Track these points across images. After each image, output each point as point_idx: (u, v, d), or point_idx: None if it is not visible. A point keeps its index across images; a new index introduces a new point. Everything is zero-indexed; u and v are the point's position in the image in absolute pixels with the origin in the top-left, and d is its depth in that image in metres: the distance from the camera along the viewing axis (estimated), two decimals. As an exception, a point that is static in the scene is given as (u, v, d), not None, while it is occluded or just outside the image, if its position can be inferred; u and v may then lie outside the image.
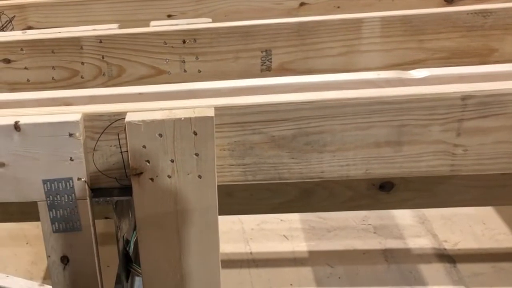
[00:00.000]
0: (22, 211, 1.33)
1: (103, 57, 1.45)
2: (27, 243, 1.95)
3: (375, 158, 1.05)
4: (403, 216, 1.99)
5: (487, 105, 1.01)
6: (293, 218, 2.01)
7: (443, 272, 1.74)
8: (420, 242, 1.87)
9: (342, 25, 1.43)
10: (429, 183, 1.35)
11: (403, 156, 1.05)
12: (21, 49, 1.44)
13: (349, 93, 1.02)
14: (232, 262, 1.81)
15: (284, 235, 1.93)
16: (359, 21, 1.43)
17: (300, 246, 1.88)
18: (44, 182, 1.00)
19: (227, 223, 1.97)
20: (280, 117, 1.01)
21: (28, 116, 0.99)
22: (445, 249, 1.84)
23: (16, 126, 0.97)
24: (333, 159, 1.05)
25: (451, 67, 1.20)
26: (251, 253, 1.86)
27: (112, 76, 1.46)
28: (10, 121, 0.97)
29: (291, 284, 1.72)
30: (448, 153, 1.05)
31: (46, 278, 1.77)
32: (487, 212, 1.99)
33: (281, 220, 2.00)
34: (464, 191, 1.35)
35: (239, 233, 1.95)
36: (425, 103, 1.01)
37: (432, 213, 1.99)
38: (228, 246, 1.87)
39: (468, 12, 1.42)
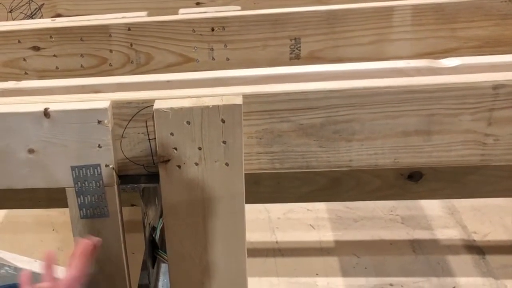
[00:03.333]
0: (50, 198, 1.35)
1: (131, 45, 1.45)
2: (53, 230, 1.97)
3: (403, 147, 1.04)
4: (432, 207, 1.97)
5: (519, 94, 0.99)
6: (320, 208, 2.00)
7: (471, 263, 1.72)
8: (448, 233, 1.86)
9: (372, 13, 1.41)
10: (459, 173, 1.33)
11: (432, 145, 1.04)
12: (50, 37, 1.45)
13: (378, 82, 1.01)
14: (258, 251, 1.81)
15: (310, 225, 1.93)
16: (390, 9, 1.41)
17: (327, 235, 1.88)
18: (73, 168, 1.01)
19: (253, 211, 1.96)
20: (309, 105, 1.00)
21: (58, 103, 0.99)
22: (474, 240, 1.82)
23: (46, 113, 0.97)
24: (361, 147, 1.04)
25: (483, 56, 1.18)
26: (277, 242, 1.86)
27: (140, 64, 1.46)
28: (40, 107, 0.98)
29: (317, 274, 1.72)
30: (478, 143, 1.03)
31: (72, 265, 1.78)
32: (519, 204, 1.96)
33: (308, 210, 1.99)
34: (495, 182, 1.34)
35: (265, 222, 1.95)
36: (456, 92, 1.00)
37: (462, 204, 1.97)
38: (254, 234, 1.87)
39: (502, 0, 1.40)
